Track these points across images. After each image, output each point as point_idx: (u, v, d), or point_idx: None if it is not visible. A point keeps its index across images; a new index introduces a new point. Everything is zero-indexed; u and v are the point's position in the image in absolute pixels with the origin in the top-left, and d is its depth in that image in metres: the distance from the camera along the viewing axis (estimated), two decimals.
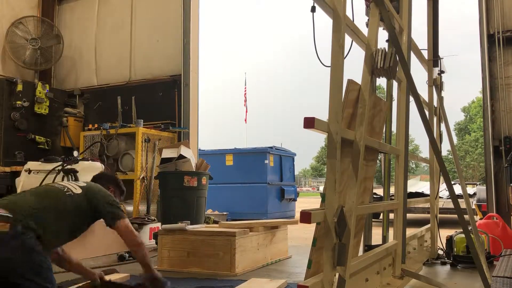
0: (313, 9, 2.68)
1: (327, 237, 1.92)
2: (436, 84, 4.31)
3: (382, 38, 3.12)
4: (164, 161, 5.56)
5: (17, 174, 5.24)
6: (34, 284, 2.27)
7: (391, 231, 3.13)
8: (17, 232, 2.29)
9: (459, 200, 2.89)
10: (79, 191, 2.73)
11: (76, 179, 4.00)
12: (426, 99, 4.25)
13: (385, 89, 3.35)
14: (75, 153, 5.72)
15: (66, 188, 2.71)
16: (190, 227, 4.01)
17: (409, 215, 5.17)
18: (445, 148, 8.51)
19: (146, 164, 6.22)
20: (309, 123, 1.91)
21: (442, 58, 4.37)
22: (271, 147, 10.65)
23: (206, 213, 5.77)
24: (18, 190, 4.66)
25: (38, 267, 2.32)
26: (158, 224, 5.43)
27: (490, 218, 4.65)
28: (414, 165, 44.43)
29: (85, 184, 2.86)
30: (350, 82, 2.48)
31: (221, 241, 3.72)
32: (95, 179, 3.10)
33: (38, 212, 2.45)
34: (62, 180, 4.29)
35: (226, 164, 10.34)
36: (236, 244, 3.68)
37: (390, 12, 2.83)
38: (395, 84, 3.24)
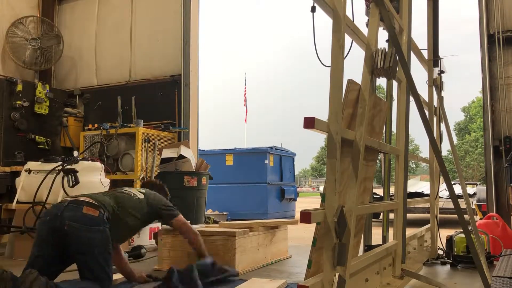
0: (313, 9, 2.69)
1: (327, 237, 1.92)
2: (436, 84, 4.30)
3: (382, 38, 3.12)
4: (164, 161, 5.56)
5: (17, 174, 5.24)
6: (101, 269, 2.65)
7: (391, 231, 3.13)
8: (104, 219, 2.74)
9: (459, 200, 2.89)
10: (142, 196, 3.20)
11: (76, 179, 4.05)
12: (426, 99, 4.25)
13: (385, 89, 3.36)
14: (75, 153, 5.71)
15: (133, 194, 3.17)
16: None
17: (409, 215, 5.17)
18: (445, 148, 8.51)
19: (146, 164, 6.22)
20: (309, 123, 1.91)
21: (442, 58, 4.37)
22: (271, 147, 10.65)
23: (206, 213, 5.77)
24: (18, 190, 4.66)
25: (109, 255, 2.73)
26: (158, 224, 5.43)
27: (490, 218, 4.65)
28: (414, 165, 44.45)
29: (144, 191, 3.31)
30: (350, 82, 2.48)
31: (221, 241, 3.72)
32: (149, 187, 3.57)
33: (115, 210, 2.89)
34: (63, 179, 4.29)
35: (226, 164, 10.34)
36: (236, 244, 3.68)
37: (390, 12, 2.83)
38: (395, 84, 3.24)
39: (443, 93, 4.43)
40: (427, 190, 7.16)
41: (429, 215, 4.49)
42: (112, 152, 6.40)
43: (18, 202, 4.62)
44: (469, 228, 3.33)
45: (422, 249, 4.00)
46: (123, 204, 2.98)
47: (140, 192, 3.25)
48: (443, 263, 4.13)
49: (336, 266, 1.92)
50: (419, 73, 4.14)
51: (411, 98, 3.02)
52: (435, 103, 4.37)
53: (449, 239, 4.19)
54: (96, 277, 2.62)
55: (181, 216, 3.32)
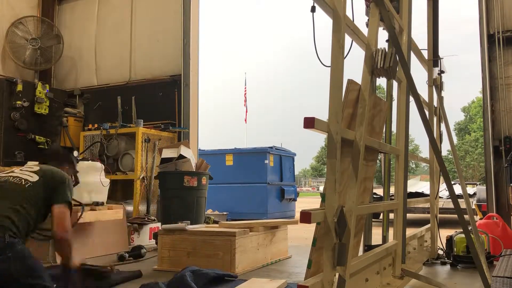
0: (313, 9, 2.68)
1: (327, 237, 1.92)
2: (436, 84, 4.30)
3: (382, 38, 3.12)
4: (164, 161, 5.56)
5: None
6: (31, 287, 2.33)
7: (391, 231, 3.13)
8: (7, 244, 2.36)
9: (459, 200, 2.89)
10: (35, 178, 2.76)
11: (76, 179, 4.01)
12: (426, 99, 4.25)
13: (385, 89, 3.36)
14: (75, 153, 5.71)
15: (23, 181, 2.73)
16: (190, 227, 4.01)
17: (409, 215, 5.17)
18: (445, 148, 8.51)
19: (146, 164, 6.22)
20: (309, 123, 1.91)
21: (442, 58, 4.37)
22: (271, 147, 10.65)
23: (206, 213, 5.77)
24: None
25: (31, 270, 2.39)
26: (158, 224, 5.43)
27: (490, 218, 4.65)
28: (414, 165, 44.44)
29: (38, 169, 2.87)
30: (350, 82, 2.48)
31: (221, 241, 3.72)
32: (49, 158, 3.11)
33: (16, 216, 2.52)
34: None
35: (226, 164, 10.34)
36: (236, 244, 3.67)
37: (390, 12, 2.83)
38: (395, 84, 3.24)
39: (443, 93, 4.44)
40: (427, 190, 7.16)
41: (429, 215, 4.49)
42: (112, 152, 6.40)
43: None
44: (469, 228, 3.33)
45: (422, 249, 4.00)
46: (21, 199, 2.61)
47: (33, 172, 2.81)
48: (443, 263, 4.13)
49: (336, 266, 1.92)
50: (419, 73, 4.14)
51: (411, 98, 3.02)
52: (435, 103, 4.37)
53: (449, 239, 4.19)
54: None
55: (63, 207, 2.78)
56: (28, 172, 2.83)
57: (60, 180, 2.87)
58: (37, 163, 3.05)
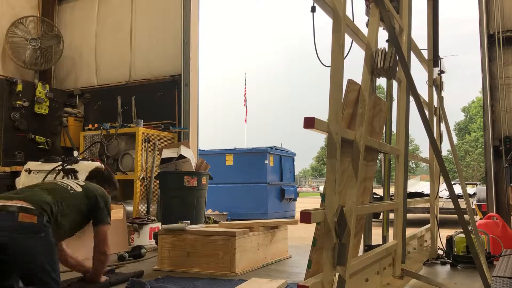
0: (313, 9, 2.69)
1: (327, 237, 1.92)
2: (436, 84, 4.30)
3: (382, 38, 3.12)
4: (164, 161, 5.56)
5: (17, 174, 5.24)
6: (48, 275, 2.52)
7: (391, 231, 3.13)
8: (43, 225, 2.56)
9: (459, 200, 2.89)
10: (79, 189, 2.98)
11: (76, 179, 4.02)
12: (426, 99, 4.25)
13: (385, 89, 3.36)
14: (75, 153, 5.72)
15: (69, 187, 2.95)
16: (190, 227, 4.01)
17: (409, 215, 5.18)
18: (445, 148, 8.52)
19: (146, 164, 6.22)
20: (309, 123, 1.91)
21: (442, 58, 4.37)
22: (271, 147, 10.65)
23: (206, 213, 5.77)
24: None
25: (53, 260, 2.61)
26: (158, 224, 5.43)
27: (490, 218, 4.65)
28: (414, 165, 44.44)
29: (84, 184, 3.10)
30: (350, 82, 2.48)
31: (221, 241, 3.72)
32: (92, 176, 3.34)
33: (53, 208, 2.70)
34: (63, 179, 4.29)
35: (226, 164, 10.34)
36: (236, 244, 3.68)
37: (390, 12, 2.83)
38: (395, 84, 3.24)
39: (443, 93, 4.43)
40: (427, 190, 7.16)
41: (429, 215, 4.49)
42: (112, 152, 6.40)
43: None
44: (469, 228, 3.33)
45: (422, 249, 4.00)
46: (62, 200, 2.80)
47: (79, 185, 3.04)
48: (443, 263, 4.13)
49: (336, 266, 1.92)
50: (419, 73, 4.14)
51: (411, 98, 3.02)
52: (435, 103, 4.36)
53: (449, 239, 4.19)
54: (44, 284, 2.51)
55: (107, 227, 3.10)
56: (74, 183, 3.08)
57: (104, 201, 3.10)
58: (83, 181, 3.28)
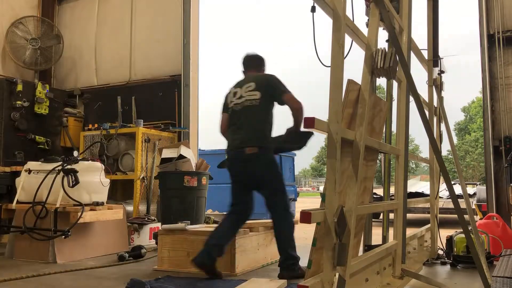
0: (313, 9, 2.69)
1: (327, 237, 1.92)
2: (436, 84, 4.30)
3: (382, 38, 3.12)
4: (164, 161, 5.56)
5: (17, 174, 5.23)
6: (281, 185, 3.54)
7: (391, 231, 3.13)
8: (265, 152, 3.41)
9: (459, 200, 2.89)
10: (258, 94, 3.54)
11: (76, 179, 4.03)
12: (426, 99, 4.25)
13: (385, 89, 3.36)
14: (75, 153, 5.70)
15: (253, 101, 3.54)
16: (190, 227, 4.02)
17: (409, 215, 5.17)
18: (445, 148, 8.51)
19: (146, 164, 6.22)
20: (309, 123, 1.91)
21: (442, 58, 4.37)
22: None
23: (206, 213, 5.77)
24: (18, 190, 4.66)
25: (280, 174, 3.55)
26: (158, 224, 5.43)
27: (490, 218, 4.65)
28: (414, 165, 44.43)
29: (254, 85, 3.59)
30: (350, 82, 2.48)
31: None
32: (250, 66, 3.87)
33: (263, 127, 3.51)
34: (63, 179, 4.29)
35: None
36: (236, 244, 3.68)
37: (390, 12, 2.83)
38: (395, 84, 3.24)
39: (443, 93, 4.43)
40: (427, 190, 7.15)
41: (429, 215, 4.49)
42: (112, 152, 6.40)
43: (18, 202, 4.62)
44: (469, 228, 3.33)
45: (422, 249, 4.00)
46: (260, 116, 3.49)
47: (252, 91, 3.56)
48: (443, 263, 4.13)
49: (336, 266, 1.92)
50: (419, 73, 4.13)
51: (411, 98, 3.02)
52: (435, 103, 4.36)
53: (449, 239, 4.19)
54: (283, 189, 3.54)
55: (291, 93, 3.59)
56: (249, 92, 3.59)
57: (272, 82, 3.61)
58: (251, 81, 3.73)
